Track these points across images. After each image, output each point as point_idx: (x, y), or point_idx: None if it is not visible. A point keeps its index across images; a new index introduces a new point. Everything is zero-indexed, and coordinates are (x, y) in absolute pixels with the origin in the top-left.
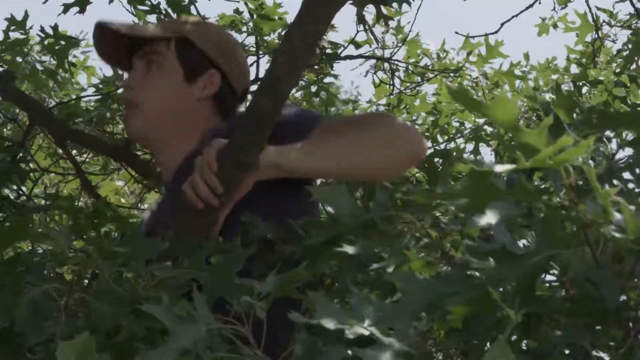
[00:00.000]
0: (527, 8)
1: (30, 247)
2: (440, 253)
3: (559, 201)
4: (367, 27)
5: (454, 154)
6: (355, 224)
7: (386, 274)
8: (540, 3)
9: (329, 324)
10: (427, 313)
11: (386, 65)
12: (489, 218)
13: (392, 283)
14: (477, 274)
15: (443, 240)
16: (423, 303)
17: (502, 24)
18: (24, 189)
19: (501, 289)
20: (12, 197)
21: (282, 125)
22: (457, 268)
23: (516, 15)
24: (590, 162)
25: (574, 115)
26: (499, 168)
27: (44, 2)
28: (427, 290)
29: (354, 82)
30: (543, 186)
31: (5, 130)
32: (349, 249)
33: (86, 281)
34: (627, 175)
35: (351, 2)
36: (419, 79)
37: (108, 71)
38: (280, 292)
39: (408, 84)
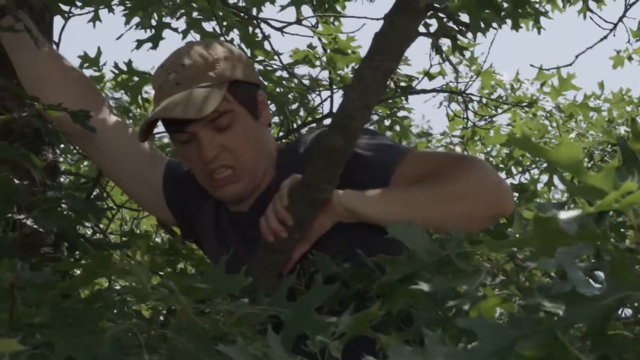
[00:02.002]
0: (600, 40)
1: (107, 284)
2: (517, 289)
3: (627, 243)
4: (443, 58)
5: (530, 188)
6: (431, 260)
7: (458, 319)
8: (614, 35)
9: None
10: (499, 358)
11: (460, 97)
12: (558, 260)
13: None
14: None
15: (519, 276)
16: (494, 348)
17: (576, 56)
18: (100, 226)
19: (572, 332)
20: (88, 234)
21: (367, 164)
22: (528, 310)
23: (590, 47)
24: None
25: None
26: (564, 215)
27: (117, 39)
28: (498, 334)
29: (424, 115)
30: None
31: (81, 166)
32: (425, 286)
33: (162, 317)
34: None
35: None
36: (493, 110)
37: None
38: (355, 332)
39: (481, 116)
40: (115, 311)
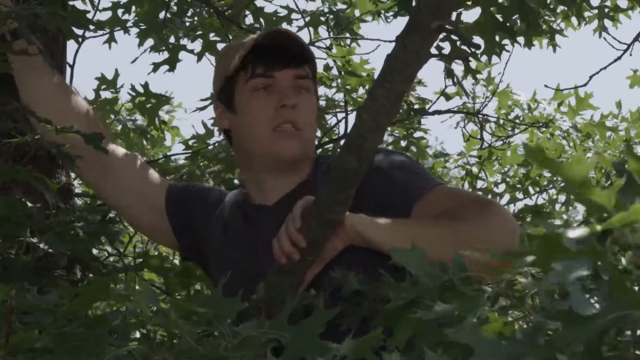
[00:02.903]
0: (614, 61)
1: (114, 308)
2: (519, 313)
3: (625, 263)
4: (455, 82)
5: (546, 208)
6: (433, 285)
7: (457, 335)
8: (630, 55)
9: None
10: None
11: (476, 117)
12: (559, 274)
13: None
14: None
15: (521, 300)
16: None
17: (590, 77)
18: (118, 248)
19: (571, 351)
20: (103, 257)
21: (393, 186)
22: (529, 329)
23: (604, 68)
24: None
25: None
26: (572, 234)
27: (133, 62)
28: (498, 352)
29: (438, 137)
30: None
31: None
32: (428, 315)
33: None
34: None
35: (438, 57)
36: (510, 130)
37: (200, 128)
38: (356, 355)
39: (498, 136)
40: (115, 336)
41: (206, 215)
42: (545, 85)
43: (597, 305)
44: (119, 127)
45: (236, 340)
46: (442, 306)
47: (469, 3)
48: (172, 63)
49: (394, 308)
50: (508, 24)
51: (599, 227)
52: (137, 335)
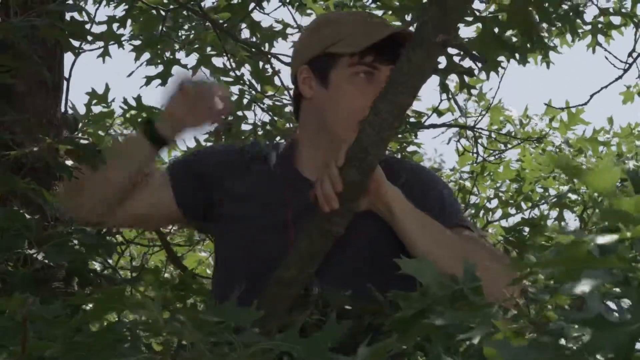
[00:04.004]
0: (615, 80)
1: (116, 319)
2: (529, 322)
3: None
4: (449, 97)
5: (541, 222)
6: (443, 295)
7: (480, 341)
8: (626, 71)
9: None
10: None
11: (469, 132)
12: (584, 286)
13: (481, 353)
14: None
15: (531, 309)
16: None
17: (591, 96)
18: (109, 261)
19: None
20: (98, 269)
21: (436, 200)
22: (551, 335)
23: (606, 87)
24: None
25: None
26: (601, 240)
27: (128, 76)
28: (522, 359)
29: (437, 149)
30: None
31: None
32: (437, 321)
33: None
34: None
35: (435, 70)
36: (502, 145)
37: (191, 143)
38: None
39: (491, 151)
40: (126, 345)
41: (220, 173)
42: (546, 104)
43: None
44: (111, 142)
45: (248, 351)
46: (454, 313)
47: (470, 19)
48: (164, 77)
49: (403, 317)
50: (508, 41)
51: (628, 234)
52: (150, 343)
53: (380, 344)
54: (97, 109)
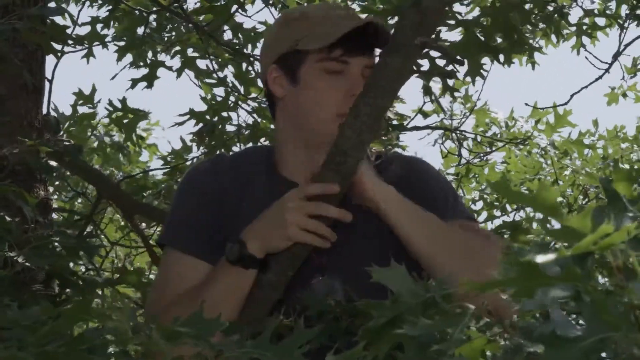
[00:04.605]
0: (595, 80)
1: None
2: (501, 331)
3: (606, 285)
4: (433, 99)
5: (523, 224)
6: (415, 303)
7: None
8: (609, 73)
9: None
10: None
11: (454, 134)
12: (539, 302)
13: None
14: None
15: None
16: None
17: (571, 96)
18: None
19: None
20: (82, 271)
21: (439, 193)
22: (509, 351)
23: (586, 87)
24: None
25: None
26: (541, 259)
27: (112, 79)
28: None
29: (417, 152)
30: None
31: (76, 203)
32: (409, 330)
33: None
34: None
35: (417, 75)
36: (488, 147)
37: (176, 144)
38: None
39: (476, 153)
40: (99, 353)
41: (219, 206)
42: (526, 104)
43: (578, 328)
44: (96, 143)
45: (223, 358)
46: (427, 322)
47: (452, 23)
48: (150, 80)
49: (375, 326)
50: (491, 44)
51: (568, 253)
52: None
53: (348, 353)
54: (82, 110)
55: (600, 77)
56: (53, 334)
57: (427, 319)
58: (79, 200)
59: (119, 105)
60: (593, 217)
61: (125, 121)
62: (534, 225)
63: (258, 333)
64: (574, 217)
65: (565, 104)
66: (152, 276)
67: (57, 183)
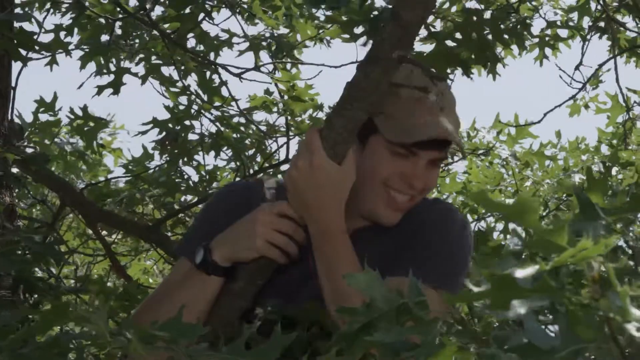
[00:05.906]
0: (570, 98)
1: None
2: (474, 338)
3: (581, 297)
4: None
5: (486, 236)
6: (389, 309)
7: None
8: (580, 90)
9: None
10: None
11: None
12: (514, 312)
13: None
14: None
15: (477, 325)
16: None
17: (545, 114)
18: (52, 269)
19: None
20: (45, 277)
21: (428, 243)
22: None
23: (559, 106)
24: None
25: (606, 198)
26: (519, 273)
27: (79, 88)
28: None
29: None
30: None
31: (34, 211)
32: (382, 337)
33: None
34: None
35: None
36: (449, 158)
37: (137, 152)
38: None
39: None
40: (72, 358)
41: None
42: (499, 121)
43: (553, 338)
44: (57, 150)
45: None
46: (400, 329)
47: (424, 36)
48: (116, 86)
49: (348, 332)
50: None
51: (547, 267)
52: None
53: (321, 358)
54: (44, 117)
55: (574, 96)
56: (29, 336)
57: (400, 325)
58: (37, 207)
59: (80, 113)
60: (570, 228)
61: (86, 129)
62: (495, 235)
63: (230, 339)
64: (551, 230)
65: (539, 122)
66: (110, 284)
67: (17, 190)
